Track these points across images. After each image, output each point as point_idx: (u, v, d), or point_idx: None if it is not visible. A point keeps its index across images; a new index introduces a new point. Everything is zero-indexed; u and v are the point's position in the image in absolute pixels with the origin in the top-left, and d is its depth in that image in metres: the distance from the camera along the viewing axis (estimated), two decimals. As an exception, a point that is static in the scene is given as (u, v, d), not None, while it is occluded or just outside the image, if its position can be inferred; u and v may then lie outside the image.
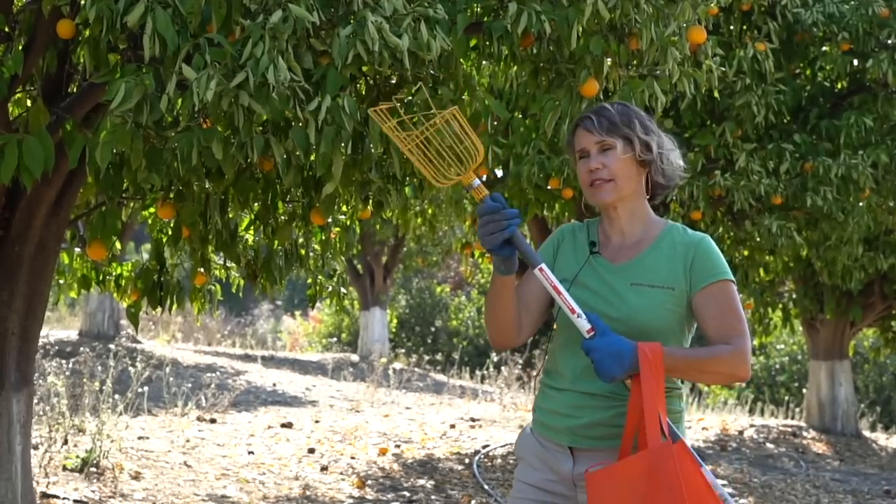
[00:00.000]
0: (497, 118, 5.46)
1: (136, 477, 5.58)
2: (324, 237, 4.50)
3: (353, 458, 7.00)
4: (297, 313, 25.91)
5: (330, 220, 4.24)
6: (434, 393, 12.42)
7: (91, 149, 3.09)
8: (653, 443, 2.13)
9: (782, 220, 7.01)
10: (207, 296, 4.62)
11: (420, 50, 2.94)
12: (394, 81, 3.43)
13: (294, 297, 28.35)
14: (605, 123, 2.36)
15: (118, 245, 4.58)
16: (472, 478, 6.65)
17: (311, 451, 7.04)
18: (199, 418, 7.98)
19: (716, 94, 6.17)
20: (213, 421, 7.97)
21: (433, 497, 6.09)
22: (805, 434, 10.61)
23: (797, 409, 13.92)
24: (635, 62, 3.84)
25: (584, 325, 2.24)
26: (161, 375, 8.89)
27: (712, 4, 4.00)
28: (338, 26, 2.92)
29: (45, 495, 4.83)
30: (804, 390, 13.92)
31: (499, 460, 7.29)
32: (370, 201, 3.94)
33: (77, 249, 4.69)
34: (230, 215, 3.98)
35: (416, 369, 15.53)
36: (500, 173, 6.80)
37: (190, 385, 9.18)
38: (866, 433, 11.67)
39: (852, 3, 6.90)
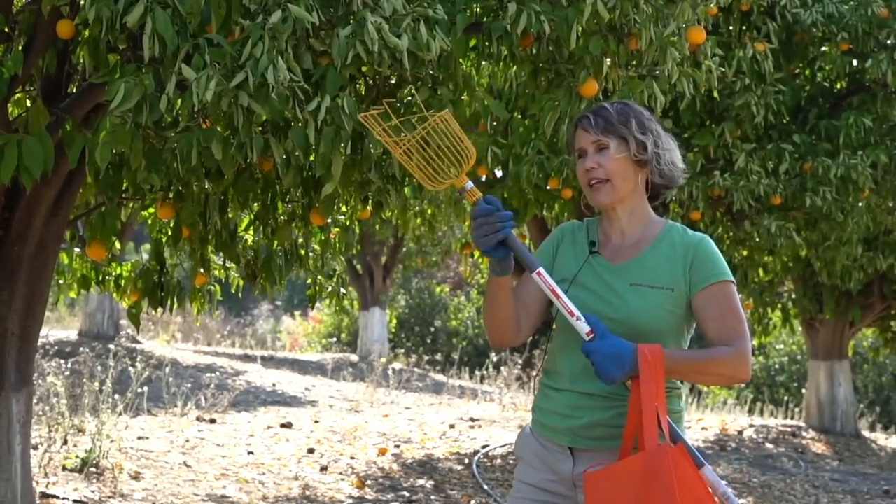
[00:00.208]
0: (496, 118, 5.48)
1: (136, 477, 5.58)
2: (323, 237, 4.51)
3: (352, 458, 7.00)
4: (297, 313, 25.91)
5: (329, 220, 4.24)
6: (433, 393, 12.42)
7: (91, 149, 3.09)
8: (649, 445, 2.13)
9: (781, 220, 7.01)
10: (207, 296, 4.63)
11: (419, 50, 2.94)
12: (393, 81, 3.44)
13: (294, 298, 28.35)
14: (601, 123, 2.36)
15: (118, 245, 4.58)
16: (471, 478, 6.66)
17: (311, 451, 7.04)
18: (198, 418, 7.98)
19: (715, 95, 6.17)
20: (212, 421, 7.97)
21: (433, 497, 6.09)
22: (804, 434, 10.61)
23: (796, 409, 13.92)
24: (635, 62, 3.85)
25: (583, 327, 2.24)
26: (161, 375, 8.89)
27: (711, 5, 4.00)
28: (337, 26, 2.92)
29: (44, 495, 4.83)
30: (803, 390, 13.92)
31: (498, 460, 7.29)
32: (369, 201, 3.94)
33: (77, 249, 4.70)
34: (230, 215, 3.99)
35: (416, 369, 15.53)
36: (499, 173, 6.80)
37: (189, 385, 9.18)
38: (865, 433, 11.67)
39: (851, 3, 6.90)
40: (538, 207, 6.74)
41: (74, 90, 3.56)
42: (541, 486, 2.40)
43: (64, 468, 5.37)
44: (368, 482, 6.28)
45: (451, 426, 8.65)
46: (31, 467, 4.15)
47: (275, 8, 2.80)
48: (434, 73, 3.32)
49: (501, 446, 7.72)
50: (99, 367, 8.05)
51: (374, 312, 16.89)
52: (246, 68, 2.73)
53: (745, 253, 8.31)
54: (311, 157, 3.20)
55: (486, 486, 6.39)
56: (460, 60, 3.43)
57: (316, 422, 8.58)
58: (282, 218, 4.14)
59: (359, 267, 16.79)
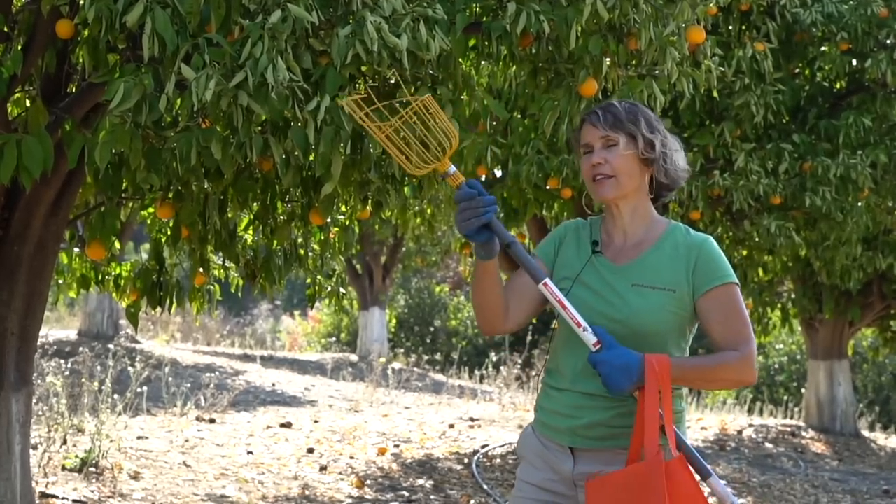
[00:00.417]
0: (496, 118, 5.48)
1: (136, 477, 5.58)
2: (323, 237, 4.51)
3: (352, 457, 7.00)
4: (297, 313, 25.91)
5: (329, 219, 4.24)
6: (433, 393, 12.42)
7: (90, 149, 3.09)
8: (647, 454, 2.15)
9: (781, 219, 7.01)
10: (206, 296, 4.63)
11: (419, 50, 2.94)
12: (392, 81, 3.43)
13: (293, 297, 28.35)
14: (611, 119, 2.36)
15: (117, 245, 4.58)
16: (470, 477, 6.65)
17: (311, 450, 7.04)
18: (198, 418, 7.98)
19: (715, 94, 6.17)
20: (212, 421, 7.97)
21: (432, 497, 6.09)
22: (804, 434, 10.61)
23: (796, 409, 13.92)
24: (634, 62, 3.85)
25: (590, 338, 2.23)
26: (160, 375, 8.89)
27: (711, 4, 4.00)
28: (337, 26, 2.92)
29: (44, 495, 4.83)
30: (803, 390, 13.92)
31: (498, 460, 7.29)
32: (369, 201, 3.94)
33: (76, 249, 4.69)
34: (229, 215, 3.99)
35: (415, 369, 15.53)
36: (498, 173, 6.81)
37: (189, 385, 9.17)
38: (865, 433, 11.67)
39: (851, 3, 6.91)
40: (538, 207, 6.73)
41: (74, 90, 3.56)
42: (542, 486, 2.40)
43: (63, 468, 5.37)
44: (368, 482, 6.28)
45: (451, 426, 8.65)
46: (30, 467, 4.15)
47: (274, 7, 2.80)
48: (433, 73, 3.32)
49: (501, 446, 7.72)
50: (98, 367, 8.04)
51: (374, 312, 16.89)
52: (245, 68, 2.73)
53: (744, 253, 8.32)
54: (311, 157, 3.20)
55: (485, 486, 6.39)
56: (460, 60, 3.43)
57: (315, 421, 8.58)
58: (281, 218, 4.14)
59: (358, 267, 16.78)
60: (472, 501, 6.03)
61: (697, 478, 2.20)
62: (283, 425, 8.17)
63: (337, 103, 2.85)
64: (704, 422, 10.90)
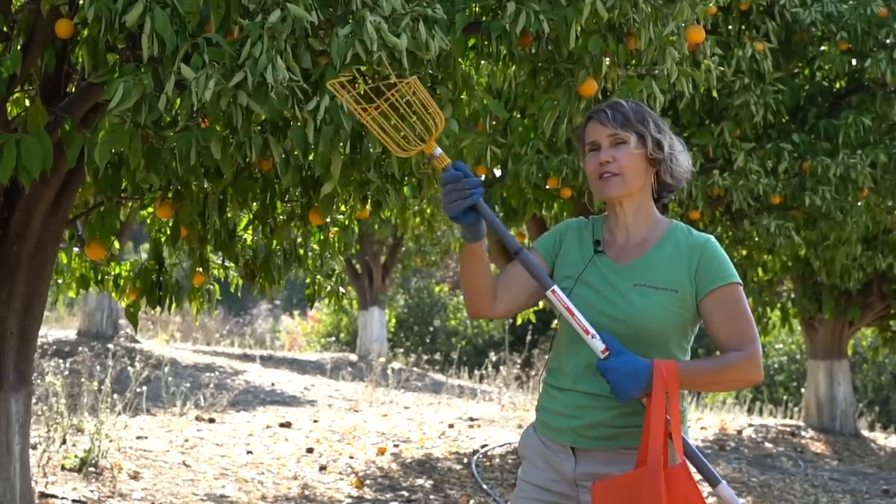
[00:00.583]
0: (495, 118, 5.48)
1: (135, 477, 5.58)
2: (322, 237, 4.51)
3: (351, 457, 7.00)
4: (296, 313, 25.91)
5: (328, 219, 4.24)
6: (433, 392, 12.43)
7: (90, 148, 3.09)
8: (650, 460, 2.15)
9: (781, 219, 7.01)
10: (206, 295, 4.62)
11: (419, 49, 2.94)
12: (392, 81, 3.43)
13: (293, 297, 28.35)
14: (620, 118, 2.35)
15: (117, 245, 4.58)
16: (470, 477, 6.65)
17: (310, 450, 7.04)
18: (197, 418, 7.98)
19: (714, 94, 6.17)
20: (211, 420, 7.97)
21: (432, 497, 6.09)
22: (804, 433, 10.61)
23: (796, 409, 13.93)
24: (634, 62, 3.84)
25: (598, 345, 2.23)
26: (160, 375, 8.89)
27: (711, 4, 4.00)
28: (336, 26, 2.92)
29: (43, 495, 4.83)
30: (803, 390, 13.92)
31: (497, 460, 7.29)
32: (369, 201, 3.94)
33: (76, 249, 4.69)
34: (229, 215, 3.98)
35: (415, 369, 15.54)
36: (498, 173, 6.80)
37: (188, 385, 9.18)
38: (865, 433, 11.68)
39: (851, 2, 6.90)
40: (537, 207, 6.73)
41: (73, 90, 3.55)
42: (544, 486, 2.40)
43: (63, 468, 5.37)
44: (367, 482, 6.28)
45: (450, 426, 8.65)
46: (29, 467, 4.15)
47: (274, 7, 2.79)
48: (433, 73, 3.32)
49: (500, 446, 7.72)
50: (98, 367, 8.04)
51: (374, 312, 16.89)
52: (245, 68, 2.73)
53: (744, 252, 8.32)
54: (311, 157, 3.20)
55: (484, 486, 6.39)
56: (459, 60, 3.43)
57: (315, 421, 8.57)
58: (281, 217, 4.14)
59: (358, 266, 16.78)
60: (471, 501, 6.03)
61: (705, 486, 2.21)
62: (282, 425, 8.17)
63: (327, 83, 2.84)
64: (704, 421, 10.90)
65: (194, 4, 2.77)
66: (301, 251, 4.45)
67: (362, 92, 2.45)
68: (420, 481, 6.47)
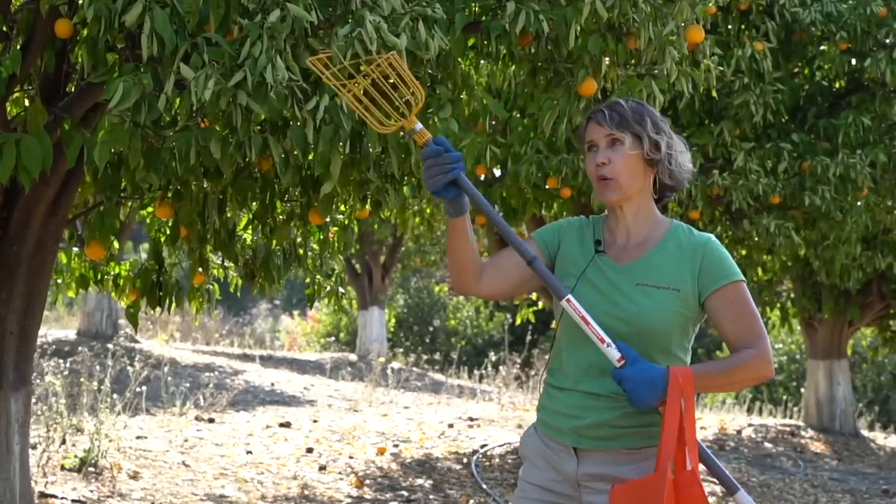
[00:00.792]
0: (495, 117, 5.48)
1: (135, 476, 5.57)
2: (322, 237, 4.51)
3: (351, 457, 7.00)
4: (296, 313, 25.91)
5: (328, 219, 4.24)
6: (432, 392, 12.42)
7: (89, 148, 3.09)
8: (660, 466, 2.16)
9: (780, 219, 7.01)
10: (206, 295, 4.62)
11: (418, 49, 2.94)
12: (391, 81, 3.43)
13: (292, 297, 28.35)
14: (616, 118, 2.35)
15: (116, 244, 4.58)
16: (470, 477, 6.65)
17: (310, 450, 7.04)
18: (197, 418, 7.97)
19: (714, 94, 6.16)
20: (211, 420, 7.97)
21: (431, 496, 6.09)
22: (803, 433, 10.62)
23: (795, 409, 13.93)
24: (633, 61, 3.85)
25: (614, 354, 2.22)
26: (159, 375, 8.89)
27: (710, 4, 4.01)
28: (336, 25, 2.92)
29: (43, 495, 4.83)
30: (802, 390, 13.93)
31: (497, 460, 7.29)
32: (368, 201, 3.94)
33: (75, 249, 4.69)
34: (228, 215, 3.98)
35: (415, 369, 15.54)
36: (498, 172, 6.80)
37: (188, 385, 9.17)
38: (864, 432, 11.68)
39: (850, 2, 6.91)
40: (537, 206, 6.73)
41: (73, 89, 3.55)
42: (545, 486, 2.40)
43: (62, 468, 5.37)
44: (367, 482, 6.28)
45: (450, 425, 8.65)
46: (29, 467, 4.15)
47: (273, 7, 2.79)
48: (433, 73, 3.32)
49: (500, 445, 7.72)
50: (97, 367, 8.04)
51: (373, 312, 16.89)
52: (244, 67, 2.73)
53: (743, 252, 8.31)
54: (310, 157, 3.20)
55: (484, 486, 6.39)
56: (459, 59, 3.43)
57: (315, 421, 8.57)
58: (280, 217, 4.14)
59: (357, 266, 16.78)
60: (471, 501, 6.03)
61: (717, 494, 2.22)
62: (282, 425, 8.17)
63: (307, 63, 2.84)
64: (703, 421, 10.89)
65: (194, 4, 2.77)
66: (301, 251, 4.45)
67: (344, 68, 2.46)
68: (420, 481, 6.47)
